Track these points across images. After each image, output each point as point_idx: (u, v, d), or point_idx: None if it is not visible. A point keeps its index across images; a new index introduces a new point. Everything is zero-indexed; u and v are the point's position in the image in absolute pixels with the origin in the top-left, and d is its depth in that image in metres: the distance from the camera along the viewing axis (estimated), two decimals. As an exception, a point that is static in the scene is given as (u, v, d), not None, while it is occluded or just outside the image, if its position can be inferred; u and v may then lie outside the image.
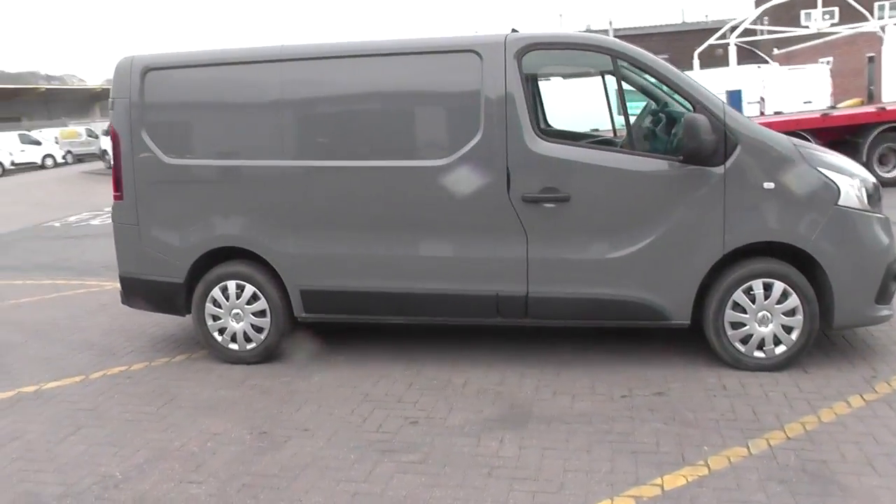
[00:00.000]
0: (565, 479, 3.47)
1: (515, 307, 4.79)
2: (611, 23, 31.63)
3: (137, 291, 5.36)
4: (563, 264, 4.69)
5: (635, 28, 31.39)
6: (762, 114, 14.47)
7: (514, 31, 4.82)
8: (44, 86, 47.04)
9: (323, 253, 4.96)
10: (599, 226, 4.65)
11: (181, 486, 3.61)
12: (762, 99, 14.81)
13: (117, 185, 5.22)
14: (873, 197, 4.69)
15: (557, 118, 5.61)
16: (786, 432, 3.82)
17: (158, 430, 4.26)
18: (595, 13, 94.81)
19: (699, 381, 4.52)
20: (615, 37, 27.30)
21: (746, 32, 22.17)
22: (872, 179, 4.79)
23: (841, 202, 4.46)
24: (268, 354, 5.19)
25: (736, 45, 21.50)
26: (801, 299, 4.52)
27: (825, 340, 5.06)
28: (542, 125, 4.82)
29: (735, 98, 15.02)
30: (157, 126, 5.12)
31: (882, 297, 4.60)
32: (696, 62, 21.74)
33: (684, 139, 4.31)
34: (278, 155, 4.94)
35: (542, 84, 5.53)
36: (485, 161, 4.65)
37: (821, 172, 4.48)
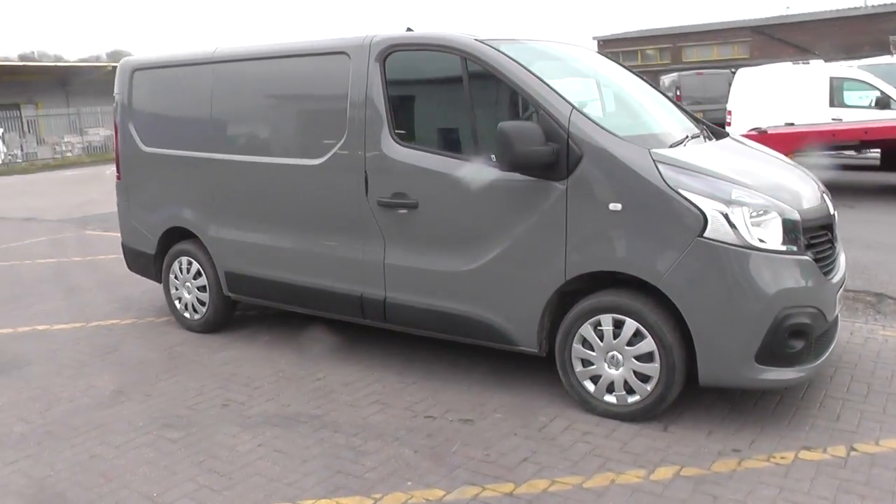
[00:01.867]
0: (239, 479, 3.50)
1: (376, 311, 4.70)
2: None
3: (131, 258, 6.30)
4: (414, 273, 4.48)
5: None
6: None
7: (408, 29, 4.66)
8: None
9: (237, 239, 5.36)
10: (445, 236, 4.36)
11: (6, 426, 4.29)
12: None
13: (118, 168, 6.17)
14: (791, 233, 3.70)
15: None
16: (518, 486, 3.32)
17: (66, 377, 5.01)
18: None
19: (528, 417, 4.03)
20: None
21: None
22: (792, 214, 3.74)
23: (707, 234, 3.60)
24: (208, 326, 5.75)
25: None
26: (656, 344, 3.76)
27: (752, 396, 4.10)
28: (405, 129, 4.55)
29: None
30: (139, 118, 5.96)
31: (769, 357, 3.64)
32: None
33: (496, 149, 3.85)
34: (206, 147, 5.44)
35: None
36: (349, 163, 4.63)
37: (681, 196, 3.65)
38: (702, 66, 30.08)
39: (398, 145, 4.45)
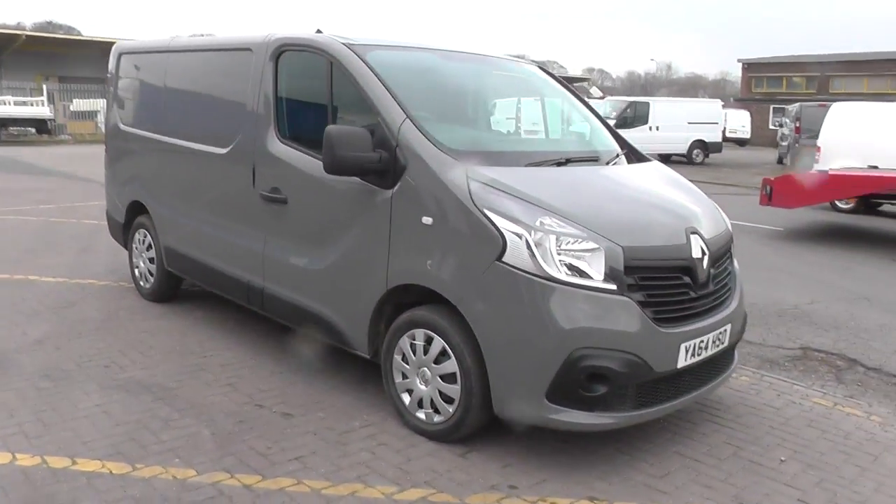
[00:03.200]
0: (53, 432, 3.88)
1: (256, 299, 4.97)
2: None
3: (110, 226, 6.95)
4: (285, 267, 4.71)
5: None
6: None
7: (318, 31, 4.87)
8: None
9: (171, 217, 5.82)
10: (306, 234, 4.57)
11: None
12: None
13: (106, 143, 6.84)
14: (612, 270, 3.54)
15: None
16: (263, 480, 3.46)
17: (12, 322, 5.63)
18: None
19: (346, 420, 4.14)
20: None
21: None
22: (614, 249, 3.57)
23: (506, 258, 3.55)
24: (155, 296, 6.25)
25: None
26: (458, 365, 3.76)
27: (598, 438, 3.98)
28: (286, 126, 4.76)
29: None
30: (120, 98, 6.57)
31: (561, 396, 3.52)
32: None
33: (323, 151, 3.97)
34: (153, 129, 6.00)
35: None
36: (244, 155, 4.93)
37: (485, 216, 3.62)
38: (851, 98, 28.06)
39: (279, 141, 4.68)
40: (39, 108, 27.77)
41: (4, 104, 27.43)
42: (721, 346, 4.04)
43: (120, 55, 6.60)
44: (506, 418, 3.74)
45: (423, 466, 3.68)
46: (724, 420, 4.42)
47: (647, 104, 27.01)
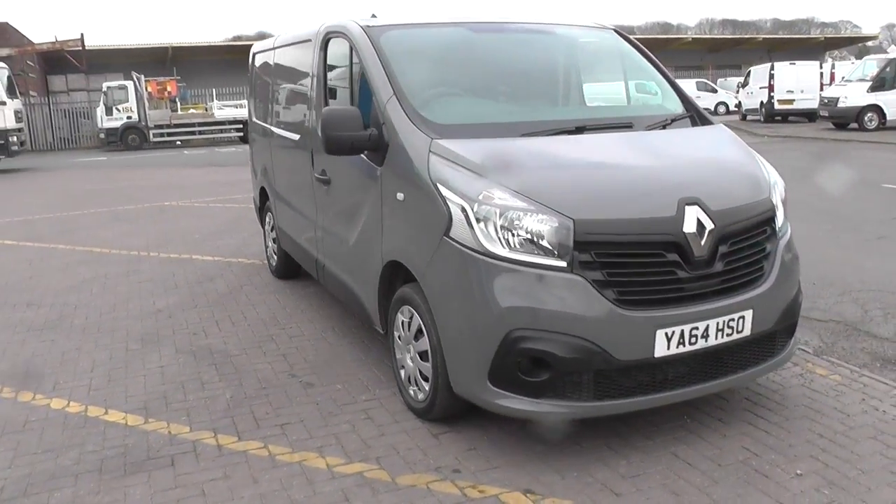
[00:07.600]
0: (129, 384, 4.67)
1: (320, 274, 5.45)
2: None
3: (256, 210, 7.85)
4: (329, 243, 5.12)
5: None
6: None
7: (372, 16, 5.14)
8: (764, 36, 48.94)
9: (277, 200, 6.50)
10: (340, 212, 4.89)
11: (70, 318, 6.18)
12: None
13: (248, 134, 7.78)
14: (564, 245, 3.34)
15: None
16: (236, 442, 3.86)
17: (151, 293, 6.77)
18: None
19: (356, 394, 4.43)
20: None
21: None
22: (569, 220, 3.34)
23: (452, 234, 3.55)
24: (279, 273, 7.04)
25: None
26: (430, 343, 3.85)
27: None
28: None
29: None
30: (254, 92, 7.38)
31: (501, 380, 3.44)
32: None
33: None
34: (263, 118, 6.75)
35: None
36: (307, 140, 5.38)
37: (438, 190, 3.63)
38: None
39: None
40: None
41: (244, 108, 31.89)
42: (737, 335, 3.60)
43: (254, 55, 7.47)
44: (464, 398, 3.71)
45: (388, 443, 3.81)
46: (766, 422, 3.93)
47: None
